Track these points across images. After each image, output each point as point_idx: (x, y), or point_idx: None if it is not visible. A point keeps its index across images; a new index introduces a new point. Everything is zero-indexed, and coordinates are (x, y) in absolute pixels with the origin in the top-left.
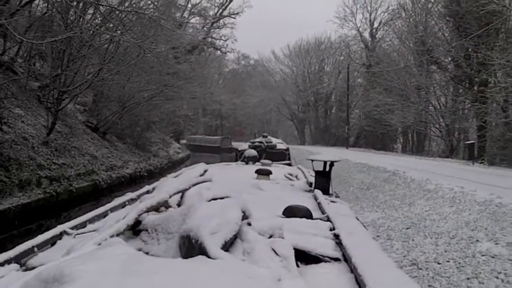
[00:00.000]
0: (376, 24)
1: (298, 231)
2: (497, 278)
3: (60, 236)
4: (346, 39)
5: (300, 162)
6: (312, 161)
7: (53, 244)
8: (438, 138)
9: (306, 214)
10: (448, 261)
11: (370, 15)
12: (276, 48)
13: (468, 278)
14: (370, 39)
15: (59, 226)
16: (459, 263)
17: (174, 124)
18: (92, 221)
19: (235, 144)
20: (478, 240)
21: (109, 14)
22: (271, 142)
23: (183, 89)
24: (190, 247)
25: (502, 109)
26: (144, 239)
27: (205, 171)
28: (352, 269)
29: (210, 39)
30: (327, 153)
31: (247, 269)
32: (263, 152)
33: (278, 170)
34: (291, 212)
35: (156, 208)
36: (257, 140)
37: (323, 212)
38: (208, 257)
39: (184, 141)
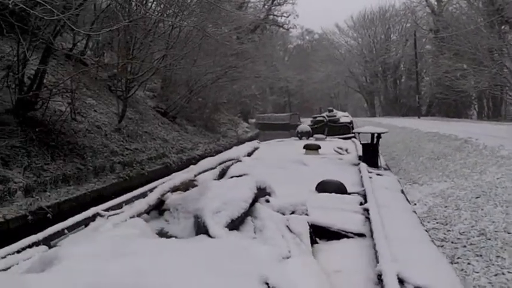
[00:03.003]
0: None
1: (325, 207)
2: None
3: (93, 217)
4: (411, 5)
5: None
6: (358, 133)
7: (86, 226)
8: None
9: (339, 189)
10: None
11: None
12: (339, 20)
13: None
14: (436, 3)
15: (93, 208)
16: None
17: (241, 104)
18: (129, 202)
19: (304, 121)
20: None
21: (168, 1)
22: (335, 116)
23: (248, 68)
24: (197, 226)
25: None
26: (167, 218)
27: (256, 148)
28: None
29: (271, 17)
30: (398, 123)
31: (248, 247)
32: (325, 126)
33: (328, 144)
34: (323, 187)
35: (183, 188)
36: (320, 114)
37: (362, 186)
38: (209, 235)
39: (253, 121)
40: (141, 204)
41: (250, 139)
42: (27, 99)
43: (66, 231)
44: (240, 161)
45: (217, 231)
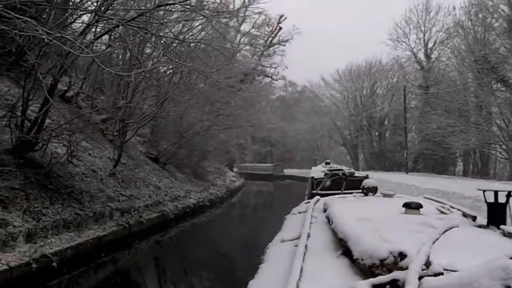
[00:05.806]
0: (430, 44)
1: None
2: None
3: None
4: (399, 60)
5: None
6: (484, 191)
7: None
8: (505, 161)
9: None
10: None
11: (424, 35)
12: (325, 73)
13: None
14: (425, 59)
15: None
16: None
17: (227, 153)
18: None
19: (287, 171)
20: None
21: (166, 47)
22: (343, 169)
23: (240, 117)
24: None
25: None
26: None
27: (326, 205)
28: None
29: (260, 68)
30: (390, 177)
31: None
32: (343, 180)
33: (424, 202)
34: None
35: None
36: (333, 166)
37: None
38: None
39: (236, 170)
40: None
41: (238, 188)
42: (28, 140)
43: None
44: (458, 226)
45: None
